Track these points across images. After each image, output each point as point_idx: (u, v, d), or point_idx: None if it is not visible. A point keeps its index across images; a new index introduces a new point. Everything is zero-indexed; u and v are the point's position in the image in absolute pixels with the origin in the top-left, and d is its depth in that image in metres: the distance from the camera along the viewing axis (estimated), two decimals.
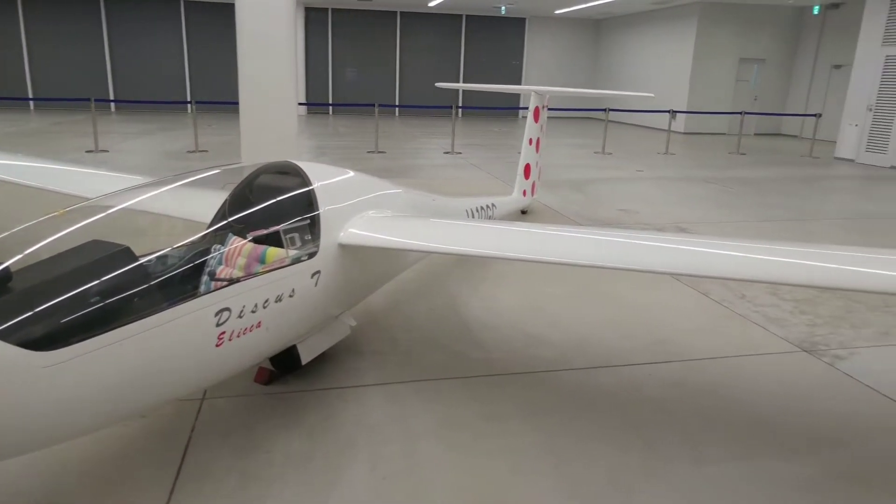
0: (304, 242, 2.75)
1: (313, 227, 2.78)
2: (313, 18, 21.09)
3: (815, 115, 14.74)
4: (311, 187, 2.87)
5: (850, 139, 13.25)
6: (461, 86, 8.27)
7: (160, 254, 2.44)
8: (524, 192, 6.79)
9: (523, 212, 7.00)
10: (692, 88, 18.05)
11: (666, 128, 14.42)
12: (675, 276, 4.91)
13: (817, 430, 2.92)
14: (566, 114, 21.06)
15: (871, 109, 12.78)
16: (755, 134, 18.27)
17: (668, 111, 14.15)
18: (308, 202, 2.83)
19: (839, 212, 8.02)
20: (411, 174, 9.80)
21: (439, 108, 15.49)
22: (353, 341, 3.53)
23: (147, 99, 18.21)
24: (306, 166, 3.02)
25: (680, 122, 17.95)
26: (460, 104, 22.14)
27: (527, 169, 6.77)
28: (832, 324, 4.22)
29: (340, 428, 2.77)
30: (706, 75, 18.08)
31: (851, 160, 13.04)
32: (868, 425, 2.99)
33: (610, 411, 3.02)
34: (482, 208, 5.06)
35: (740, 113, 14.74)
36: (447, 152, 12.44)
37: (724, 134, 17.96)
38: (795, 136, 17.83)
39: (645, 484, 2.48)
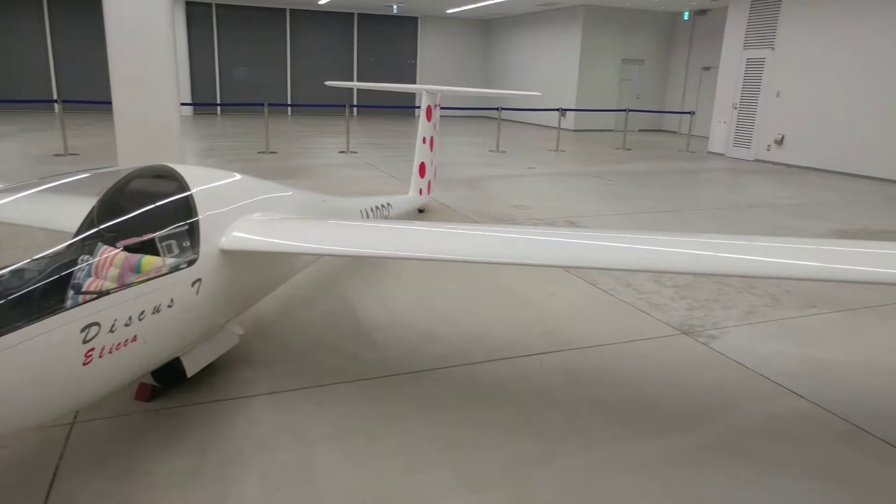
0: (182, 250, 2.60)
1: (192, 232, 2.64)
2: (196, 14, 20.13)
3: (689, 113, 15.79)
4: (189, 191, 2.72)
5: (719, 135, 14.31)
6: (351, 84, 8.17)
7: (15, 268, 2.22)
8: (420, 191, 6.81)
9: (420, 210, 7.03)
10: (580, 87, 18.84)
11: (556, 125, 14.95)
12: (566, 268, 5.09)
13: (693, 406, 3.11)
14: (461, 112, 21.42)
15: (736, 108, 13.85)
16: (639, 130, 19.35)
17: (558, 109, 14.68)
18: (186, 207, 2.68)
19: (710, 202, 8.64)
20: (304, 175, 9.59)
21: (333, 107, 15.27)
22: (242, 350, 3.40)
23: (4, 98, 16.66)
24: (184, 169, 2.87)
25: (570, 120, 18.69)
26: (355, 103, 21.95)
27: (422, 168, 6.79)
28: (707, 306, 4.53)
29: (230, 441, 2.66)
30: (592, 75, 18.93)
31: (722, 154, 14.09)
32: (736, 397, 3.22)
33: (504, 402, 3.08)
34: (377, 208, 5.02)
35: (624, 110, 15.55)
36: (342, 152, 12.28)
37: (611, 130, 18.88)
38: (675, 132, 19.06)
39: (538, 471, 2.55)
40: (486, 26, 23.75)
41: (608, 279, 5.02)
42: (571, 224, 7.00)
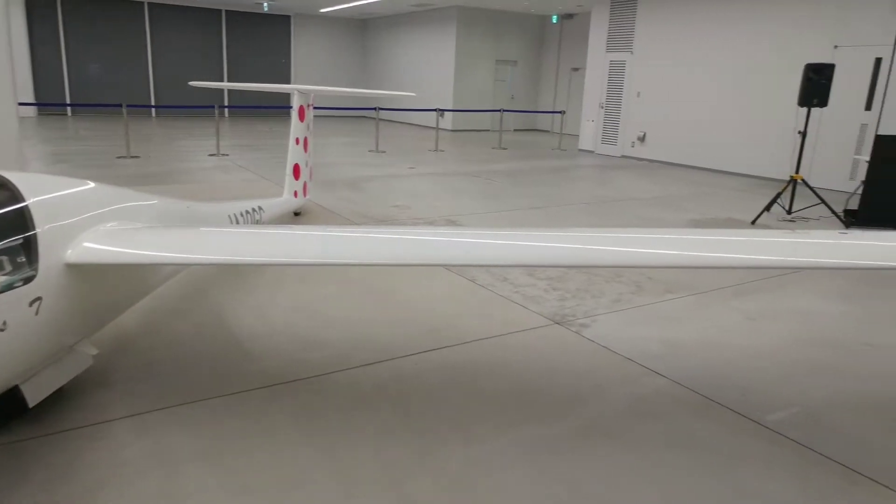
0: (15, 266, 2.34)
1: (28, 247, 2.38)
2: (37, 5, 18.32)
3: (560, 113, 16.54)
4: (23, 202, 2.46)
5: (588, 134, 15.10)
6: (218, 85, 7.80)
7: None
8: (295, 193, 6.63)
9: (296, 213, 6.84)
10: (457, 88, 19.17)
11: (435, 126, 15.12)
12: (446, 266, 5.15)
13: (568, 392, 3.25)
14: (339, 113, 21.12)
15: (602, 107, 14.68)
16: (515, 130, 20.01)
17: (436, 110, 14.86)
18: (19, 219, 2.41)
19: (581, 198, 9.09)
20: (170, 180, 9.04)
21: (202, 108, 14.53)
22: (97, 371, 3.13)
23: None
24: (20, 177, 2.58)
25: (448, 120, 18.98)
26: (226, 103, 21.02)
27: (296, 169, 6.61)
28: (578, 296, 4.75)
29: (87, 471, 2.43)
30: (468, 76, 19.33)
31: (592, 151, 14.88)
32: (606, 381, 3.40)
33: (384, 405, 3.06)
34: (247, 212, 4.82)
35: (499, 111, 16.01)
36: (212, 154, 11.71)
37: (487, 130, 19.37)
38: (548, 131, 19.88)
39: (418, 472, 2.55)
40: (361, 26, 23.59)
41: (486, 275, 5.13)
42: (451, 223, 7.10)
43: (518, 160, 13.00)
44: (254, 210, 4.93)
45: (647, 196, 9.35)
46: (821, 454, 2.77)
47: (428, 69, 20.21)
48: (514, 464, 2.62)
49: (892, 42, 7.10)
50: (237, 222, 4.51)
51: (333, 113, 20.97)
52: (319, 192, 8.02)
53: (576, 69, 18.85)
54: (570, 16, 19.00)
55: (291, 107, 6.60)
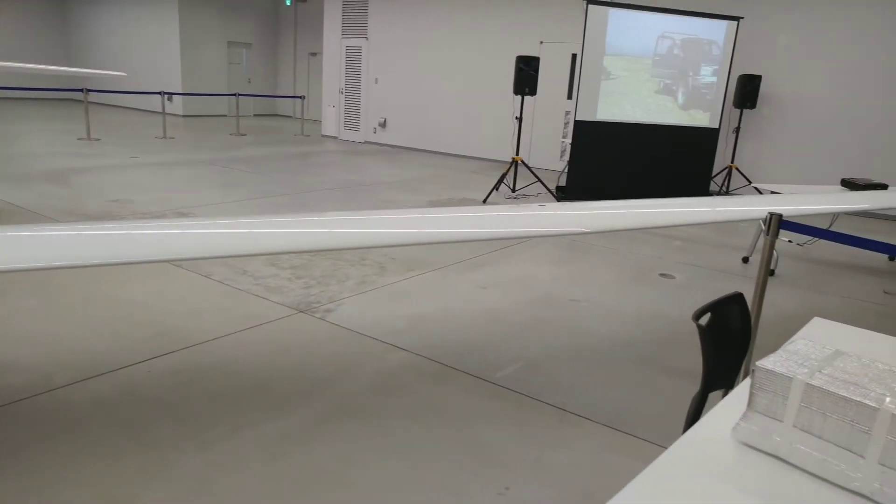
0: None
1: None
2: None
3: (300, 98, 16.25)
4: None
5: (331, 119, 15.09)
6: None
7: None
8: None
9: None
10: (185, 70, 17.71)
11: (161, 111, 13.80)
12: (174, 262, 4.73)
13: (311, 380, 3.20)
14: (37, 94, 18.21)
15: (342, 93, 14.77)
16: (254, 115, 19.18)
17: (161, 93, 13.55)
18: None
19: (326, 183, 9.05)
20: None
21: None
22: None
23: None
24: None
25: (178, 105, 17.49)
26: None
27: None
28: (323, 282, 4.72)
29: None
30: (197, 57, 17.97)
31: (335, 137, 14.91)
32: (350, 363, 3.42)
33: (106, 422, 2.70)
34: None
35: (235, 94, 15.18)
36: None
37: (224, 115, 18.27)
38: (290, 117, 19.42)
39: (149, 487, 2.29)
40: (60, 2, 20.48)
41: (223, 268, 4.83)
42: (183, 215, 6.54)
43: (259, 146, 12.49)
44: None
45: (390, 180, 9.66)
46: (537, 399, 3.12)
47: (149, 50, 18.34)
48: (254, 460, 2.50)
49: (581, 40, 8.25)
50: None
51: (29, 94, 17.99)
52: (12, 189, 6.81)
53: (314, 54, 18.66)
54: None
55: None
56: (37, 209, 6.31)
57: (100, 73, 6.21)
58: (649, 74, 8.56)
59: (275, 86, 20.11)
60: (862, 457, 1.15)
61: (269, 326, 3.87)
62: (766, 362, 1.29)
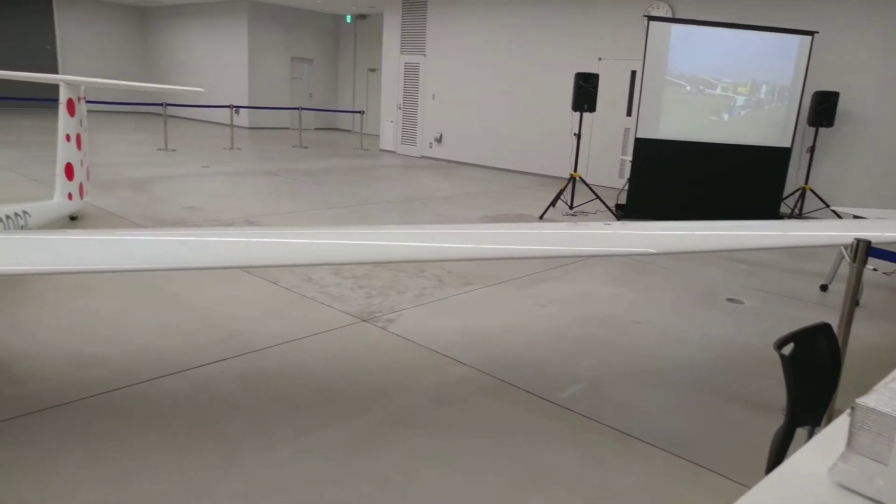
0: None
1: None
2: None
3: (360, 112, 16.64)
4: None
5: (389, 134, 15.39)
6: None
7: None
8: (70, 196, 5.89)
9: (72, 217, 6.09)
10: (252, 84, 18.40)
11: (230, 123, 14.37)
12: (245, 269, 4.93)
13: (372, 388, 3.29)
14: (121, 108, 19.20)
15: (400, 108, 15.05)
16: (315, 129, 19.72)
17: (229, 106, 14.11)
18: None
19: (384, 197, 9.25)
20: None
21: None
22: None
23: None
24: None
25: (244, 118, 18.16)
26: None
27: (69, 169, 5.87)
28: (383, 293, 4.83)
29: None
30: (263, 72, 18.65)
31: (393, 151, 15.18)
32: (410, 373, 3.51)
33: (179, 417, 2.85)
34: (8, 218, 4.19)
35: (298, 108, 15.66)
36: None
37: (287, 128, 18.86)
38: (349, 131, 19.89)
39: (220, 481, 2.42)
40: (141, 14, 21.61)
41: (290, 276, 5.01)
42: (251, 224, 6.81)
43: (320, 159, 12.84)
44: (17, 215, 4.29)
45: (445, 194, 9.78)
46: (599, 422, 3.13)
47: (220, 64, 19.15)
48: (319, 463, 2.60)
49: (641, 57, 8.22)
50: None
51: (114, 108, 18.98)
52: (100, 195, 7.23)
53: (373, 70, 19.08)
54: (363, 17, 19.19)
55: (59, 100, 5.85)
56: (119, 213, 6.68)
57: (182, 90, 6.55)
58: (714, 91, 8.43)
59: (335, 100, 20.64)
60: None
61: (332, 333, 4.00)
62: (869, 400, 1.23)
